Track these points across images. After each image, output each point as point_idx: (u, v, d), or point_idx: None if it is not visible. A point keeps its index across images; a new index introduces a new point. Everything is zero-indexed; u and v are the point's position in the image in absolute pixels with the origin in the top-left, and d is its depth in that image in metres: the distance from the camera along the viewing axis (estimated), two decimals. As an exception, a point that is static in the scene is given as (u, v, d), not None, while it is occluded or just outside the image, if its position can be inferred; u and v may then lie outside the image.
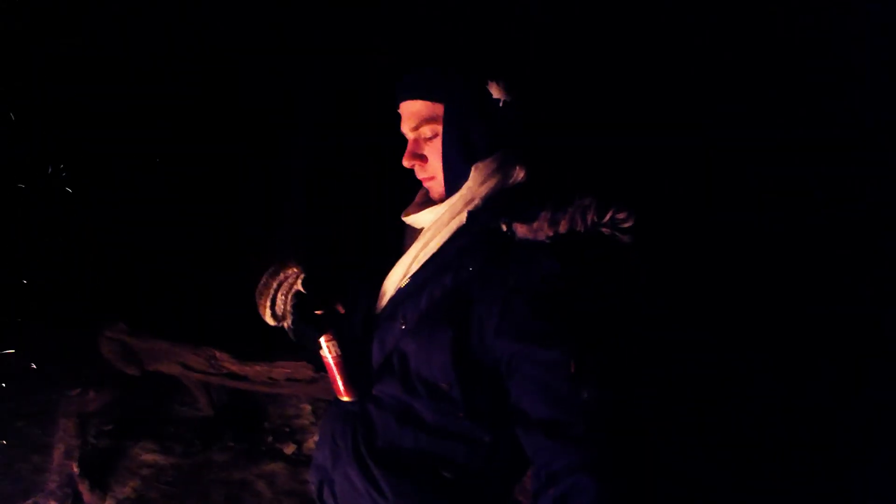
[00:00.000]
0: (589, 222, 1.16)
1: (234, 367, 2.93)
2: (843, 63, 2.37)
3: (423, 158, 1.27)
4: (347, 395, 1.28)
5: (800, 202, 2.49)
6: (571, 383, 1.06)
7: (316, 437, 3.46)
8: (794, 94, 2.48)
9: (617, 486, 1.02)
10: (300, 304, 1.28)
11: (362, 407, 1.26)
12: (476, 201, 1.21)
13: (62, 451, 2.99)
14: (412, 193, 1.40)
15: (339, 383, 1.28)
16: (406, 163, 1.29)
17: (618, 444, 1.05)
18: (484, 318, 1.13)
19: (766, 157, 2.50)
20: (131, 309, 3.61)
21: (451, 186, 1.24)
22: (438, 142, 1.24)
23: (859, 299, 2.44)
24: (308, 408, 3.60)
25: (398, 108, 1.30)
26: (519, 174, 1.22)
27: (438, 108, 1.23)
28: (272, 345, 2.77)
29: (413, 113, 1.26)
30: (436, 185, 1.28)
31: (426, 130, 1.25)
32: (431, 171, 1.27)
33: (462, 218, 1.22)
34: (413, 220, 1.31)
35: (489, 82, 1.20)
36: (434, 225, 1.25)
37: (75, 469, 2.98)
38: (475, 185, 1.21)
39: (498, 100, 1.21)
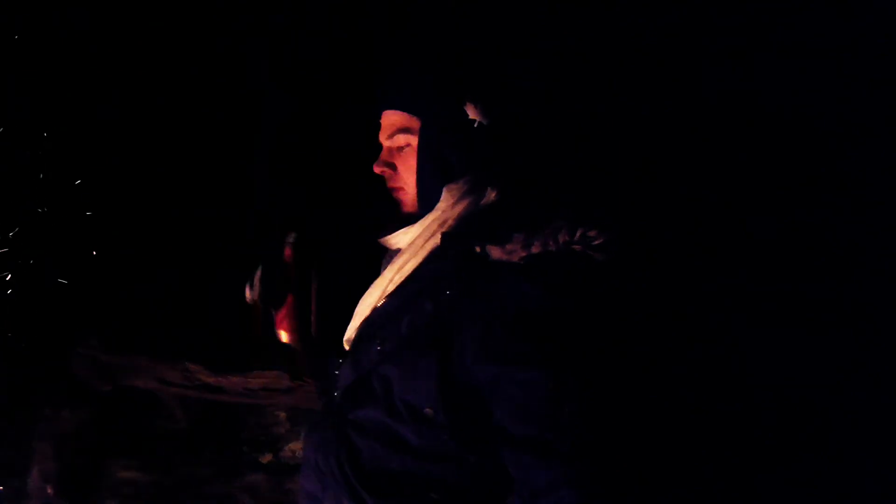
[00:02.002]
0: (561, 242, 1.20)
1: (210, 380, 2.97)
2: (843, 64, 2.40)
3: (393, 168, 1.33)
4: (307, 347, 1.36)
5: (799, 202, 2.52)
6: (552, 401, 1.11)
7: (292, 445, 3.53)
8: (794, 93, 2.51)
9: (602, 500, 1.07)
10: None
11: (343, 433, 1.31)
12: (450, 222, 1.25)
13: (39, 474, 3.03)
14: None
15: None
16: (376, 169, 1.35)
17: (602, 459, 1.10)
18: (465, 343, 1.18)
19: (766, 156, 2.53)
20: (102, 323, 3.62)
21: (424, 205, 1.29)
22: (409, 154, 1.30)
23: (859, 298, 2.47)
24: (283, 416, 3.65)
25: (380, 118, 1.35)
26: (491, 195, 1.26)
27: (415, 121, 1.29)
28: (247, 355, 2.82)
29: (391, 123, 1.32)
30: (404, 198, 1.34)
31: (399, 139, 1.31)
32: (400, 183, 1.33)
33: (436, 240, 1.26)
34: (388, 241, 1.37)
35: (467, 103, 1.25)
36: (410, 247, 1.30)
37: (53, 492, 3.03)
38: (448, 207, 1.26)
39: (474, 121, 1.25)
